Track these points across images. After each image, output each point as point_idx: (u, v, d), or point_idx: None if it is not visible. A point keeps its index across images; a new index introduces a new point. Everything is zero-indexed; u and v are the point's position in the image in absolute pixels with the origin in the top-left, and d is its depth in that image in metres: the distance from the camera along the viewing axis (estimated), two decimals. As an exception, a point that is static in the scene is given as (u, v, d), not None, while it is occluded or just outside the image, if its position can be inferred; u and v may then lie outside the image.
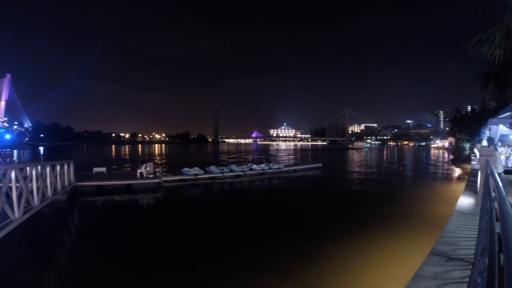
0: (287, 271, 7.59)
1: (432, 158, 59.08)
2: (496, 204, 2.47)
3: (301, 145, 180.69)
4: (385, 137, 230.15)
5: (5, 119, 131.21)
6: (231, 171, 24.63)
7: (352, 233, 10.30)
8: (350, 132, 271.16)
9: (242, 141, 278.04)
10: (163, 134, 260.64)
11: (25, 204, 8.53)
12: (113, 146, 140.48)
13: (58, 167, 13.03)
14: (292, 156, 59.98)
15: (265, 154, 37.79)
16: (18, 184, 8.14)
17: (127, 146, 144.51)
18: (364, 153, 77.85)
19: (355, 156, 65.75)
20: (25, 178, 8.86)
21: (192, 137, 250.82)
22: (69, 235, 11.32)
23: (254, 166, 26.83)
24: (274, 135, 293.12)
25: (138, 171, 21.10)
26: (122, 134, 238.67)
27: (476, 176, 7.78)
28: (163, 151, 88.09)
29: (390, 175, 30.76)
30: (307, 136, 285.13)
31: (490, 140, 7.94)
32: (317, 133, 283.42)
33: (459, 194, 7.46)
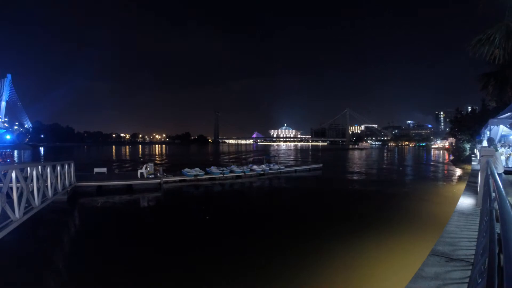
0: (287, 271, 7.59)
1: (432, 158, 59.01)
2: (496, 205, 2.47)
3: (302, 146, 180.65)
4: (385, 138, 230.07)
5: (6, 119, 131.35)
6: (231, 171, 24.63)
7: (352, 233, 10.30)
8: (351, 132, 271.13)
9: (243, 141, 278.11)
10: (164, 135, 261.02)
11: (26, 205, 8.54)
12: (114, 146, 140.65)
13: (58, 168, 13.04)
14: (293, 157, 59.99)
15: (265, 154, 37.83)
16: (18, 185, 8.14)
17: (127, 146, 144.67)
18: (366, 154, 77.81)
19: (356, 156, 65.74)
20: (25, 178, 8.87)
21: (192, 137, 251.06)
22: (70, 235, 11.33)
23: (255, 166, 26.83)
24: (275, 135, 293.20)
25: (139, 171, 21.12)
26: (122, 135, 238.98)
27: (476, 176, 7.78)
28: (164, 152, 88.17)
29: (390, 176, 30.74)
30: (307, 136, 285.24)
31: (491, 140, 7.93)
32: (317, 134, 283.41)
33: (460, 195, 7.46)
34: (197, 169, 23.51)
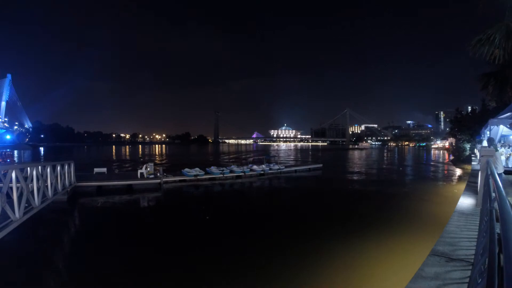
0: (287, 271, 7.59)
1: (432, 158, 59.01)
2: (496, 205, 2.47)
3: (302, 146, 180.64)
4: (385, 138, 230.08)
5: (6, 119, 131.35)
6: (231, 171, 24.63)
7: (352, 233, 10.30)
8: (351, 132, 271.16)
9: (243, 141, 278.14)
10: (164, 135, 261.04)
11: (26, 205, 8.54)
12: (114, 146, 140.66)
13: (58, 168, 13.04)
14: (293, 157, 59.99)
15: (265, 154, 37.83)
16: (18, 185, 8.14)
17: (127, 146, 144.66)
18: (366, 154, 77.80)
19: (356, 157, 65.74)
20: (25, 178, 8.87)
21: (192, 137, 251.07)
22: (70, 235, 11.33)
23: (255, 166, 26.83)
24: (275, 135, 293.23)
25: (139, 171, 21.12)
26: (122, 135, 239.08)
27: (476, 176, 7.78)
28: (164, 152, 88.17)
29: (390, 176, 30.74)
30: (307, 136, 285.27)
31: (491, 140, 7.93)
32: (317, 134, 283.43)
33: (460, 195, 7.46)
34: (197, 169, 23.51)
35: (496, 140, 12.05)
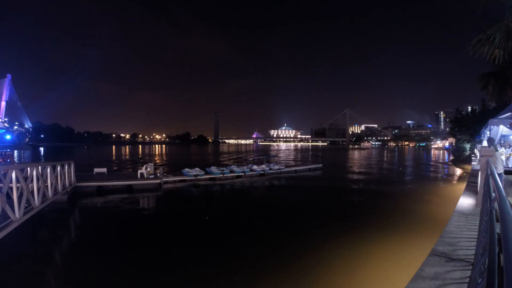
0: (287, 271, 7.59)
1: (432, 158, 58.99)
2: (496, 205, 2.47)
3: (302, 146, 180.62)
4: (385, 138, 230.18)
5: (6, 119, 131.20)
6: (231, 171, 24.63)
7: (352, 234, 10.29)
8: (351, 132, 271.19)
9: (243, 141, 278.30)
10: (164, 135, 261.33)
11: (26, 205, 8.54)
12: (114, 146, 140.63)
13: (58, 168, 13.05)
14: (293, 157, 59.98)
15: (265, 154, 37.81)
16: (18, 185, 8.15)
17: (127, 146, 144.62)
18: (366, 154, 77.78)
19: (355, 157, 65.73)
20: (25, 178, 8.87)
21: (192, 137, 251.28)
22: (70, 235, 11.32)
23: (255, 166, 26.83)
24: (275, 135, 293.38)
25: (139, 171, 21.12)
26: (122, 135, 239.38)
27: (476, 176, 7.78)
28: (164, 152, 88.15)
29: (390, 176, 30.73)
30: (307, 136, 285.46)
31: (491, 140, 7.94)
32: (317, 134, 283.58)
33: (460, 195, 7.47)
34: (197, 169, 23.50)
35: (496, 140, 12.06)
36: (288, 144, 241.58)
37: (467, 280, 2.91)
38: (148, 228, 11.66)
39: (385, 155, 75.74)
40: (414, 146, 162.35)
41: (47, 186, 11.16)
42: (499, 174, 6.35)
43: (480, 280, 2.05)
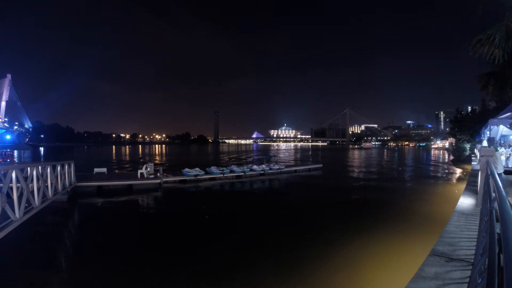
0: (287, 271, 7.59)
1: (432, 158, 59.00)
2: (496, 205, 2.47)
3: (302, 146, 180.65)
4: (385, 138, 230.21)
5: (6, 119, 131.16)
6: (231, 171, 24.62)
7: (352, 234, 10.30)
8: (351, 132, 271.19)
9: (243, 141, 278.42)
10: (164, 135, 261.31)
11: (26, 205, 8.54)
12: (114, 146, 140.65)
13: (58, 168, 13.04)
14: (293, 157, 59.98)
15: (265, 154, 37.82)
16: (18, 185, 8.14)
17: (127, 146, 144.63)
18: (366, 154, 77.78)
19: (355, 157, 65.72)
20: (25, 178, 8.87)
21: (192, 137, 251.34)
22: (70, 235, 11.33)
23: (255, 166, 26.82)
24: (275, 135, 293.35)
25: (139, 171, 21.11)
26: (122, 135, 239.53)
27: (476, 176, 7.78)
28: (164, 152, 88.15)
29: (390, 176, 30.71)
30: (307, 136, 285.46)
31: (491, 140, 7.94)
32: (317, 134, 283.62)
33: (460, 195, 7.47)
34: (197, 169, 23.49)
35: (496, 140, 12.07)
36: (288, 144, 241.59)
37: (467, 280, 2.91)
38: (148, 228, 11.66)
39: (385, 155, 75.74)
40: (414, 146, 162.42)
41: (47, 186, 11.15)
42: (499, 174, 6.35)
43: (480, 280, 2.05)
